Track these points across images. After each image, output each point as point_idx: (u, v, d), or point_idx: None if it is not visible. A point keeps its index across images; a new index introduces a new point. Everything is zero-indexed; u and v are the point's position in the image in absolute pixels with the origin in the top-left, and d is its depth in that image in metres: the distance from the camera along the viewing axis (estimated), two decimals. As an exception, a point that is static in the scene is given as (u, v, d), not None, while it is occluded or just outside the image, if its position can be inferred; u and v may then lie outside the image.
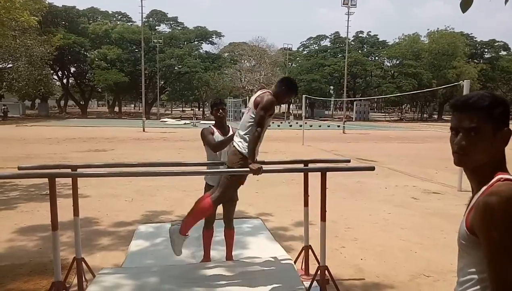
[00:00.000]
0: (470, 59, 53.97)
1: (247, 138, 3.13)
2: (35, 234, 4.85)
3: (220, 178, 3.51)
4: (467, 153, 1.14)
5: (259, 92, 3.23)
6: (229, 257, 3.85)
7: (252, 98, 3.22)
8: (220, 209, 3.75)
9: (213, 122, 3.78)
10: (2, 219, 5.49)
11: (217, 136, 3.63)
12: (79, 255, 3.37)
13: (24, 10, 8.86)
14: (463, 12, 2.04)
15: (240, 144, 3.17)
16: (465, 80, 7.85)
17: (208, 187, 3.67)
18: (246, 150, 3.10)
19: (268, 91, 3.18)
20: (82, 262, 3.39)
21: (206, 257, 3.82)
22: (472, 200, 1.16)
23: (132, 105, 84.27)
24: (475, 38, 58.17)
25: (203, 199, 3.28)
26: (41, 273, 3.75)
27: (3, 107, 38.20)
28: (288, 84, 3.21)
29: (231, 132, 3.65)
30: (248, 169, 3.00)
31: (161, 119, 38.64)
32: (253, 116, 3.13)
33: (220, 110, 3.65)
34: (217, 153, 3.62)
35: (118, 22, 52.51)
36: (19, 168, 3.08)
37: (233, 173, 3.19)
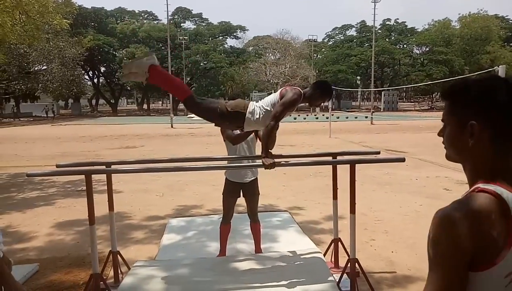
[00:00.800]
0: (505, 43, 51.42)
1: (259, 114, 3.02)
2: (72, 228, 5.08)
3: (240, 173, 3.56)
4: (445, 146, 1.02)
5: (290, 86, 3.15)
6: (257, 250, 3.89)
7: (281, 88, 3.17)
8: (243, 203, 3.79)
9: None
10: (42, 214, 5.77)
11: (235, 131, 3.61)
12: (115, 248, 3.50)
13: (56, 13, 9.20)
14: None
15: (254, 107, 3.04)
16: (500, 66, 7.47)
17: (227, 182, 3.70)
18: (250, 116, 3.00)
19: (299, 90, 3.06)
20: (118, 255, 3.53)
21: (222, 252, 3.84)
22: None
23: (160, 102, 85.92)
24: (511, 20, 55.35)
25: (187, 89, 3.11)
26: (80, 265, 3.93)
27: (45, 107, 39.95)
28: (323, 88, 3.11)
29: None
30: (260, 164, 2.95)
31: (188, 116, 39.09)
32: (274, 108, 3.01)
33: None
34: (236, 149, 3.61)
35: (145, 21, 53.51)
36: (57, 166, 3.23)
37: (253, 167, 3.09)
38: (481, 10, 49.64)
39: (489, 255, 0.85)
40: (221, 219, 3.83)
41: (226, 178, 3.73)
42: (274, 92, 3.29)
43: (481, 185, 0.92)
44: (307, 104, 3.29)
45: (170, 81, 3.12)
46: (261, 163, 2.96)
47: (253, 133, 3.61)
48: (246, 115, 3.00)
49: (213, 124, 3.19)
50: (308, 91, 3.10)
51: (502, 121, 0.91)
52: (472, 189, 0.94)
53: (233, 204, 3.76)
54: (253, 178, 3.71)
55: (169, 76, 3.17)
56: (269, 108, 3.02)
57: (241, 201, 3.82)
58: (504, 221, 0.86)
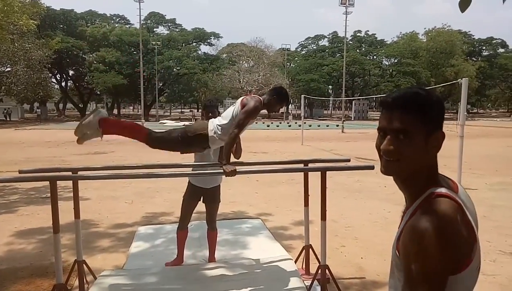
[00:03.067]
0: (468, 57, 54.14)
1: (223, 129, 3.03)
2: (35, 237, 4.85)
3: (206, 179, 3.54)
4: (396, 159, 0.97)
5: (250, 95, 3.19)
6: (211, 259, 3.83)
7: (241, 98, 3.19)
8: (203, 208, 3.75)
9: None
10: (2, 222, 5.49)
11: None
12: (80, 257, 3.37)
13: (22, 13, 8.86)
14: (462, 12, 2.03)
15: (214, 125, 3.06)
16: (463, 78, 7.83)
17: (190, 186, 3.67)
18: (213, 134, 3.02)
19: (259, 98, 3.13)
20: (83, 264, 3.40)
21: (179, 258, 3.77)
22: (405, 215, 1.03)
23: (131, 108, 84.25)
24: (473, 36, 58.45)
25: (142, 128, 3.09)
26: (42, 275, 3.75)
27: (7, 109, 38.32)
28: (279, 93, 3.16)
29: None
30: (222, 171, 2.94)
31: (160, 121, 38.64)
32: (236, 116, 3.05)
33: (210, 113, 3.60)
34: (203, 155, 3.56)
35: (116, 25, 52.49)
36: (20, 172, 3.08)
37: (215, 174, 3.10)
38: (446, 25, 52.00)
39: (466, 254, 0.90)
40: (192, 226, 3.78)
41: (189, 181, 3.69)
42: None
43: (432, 190, 0.95)
44: (273, 112, 3.31)
45: (124, 127, 3.06)
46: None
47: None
48: (209, 135, 3.02)
49: (179, 153, 3.18)
50: (266, 98, 3.15)
51: (442, 130, 1.00)
52: (427, 194, 0.96)
53: (192, 209, 3.71)
54: (215, 185, 3.67)
55: (121, 123, 3.12)
56: (227, 121, 3.04)
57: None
58: (466, 220, 0.92)
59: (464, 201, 0.98)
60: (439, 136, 0.97)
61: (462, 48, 51.07)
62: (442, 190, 0.94)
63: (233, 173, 2.92)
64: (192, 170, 3.58)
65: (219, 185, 3.74)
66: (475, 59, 56.82)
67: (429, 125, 0.96)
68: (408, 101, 0.97)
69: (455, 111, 53.10)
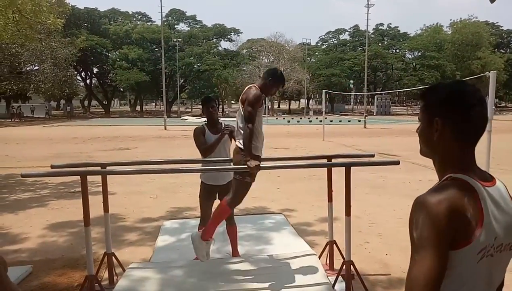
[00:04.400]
0: (496, 49, 52.19)
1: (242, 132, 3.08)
2: (66, 230, 5.04)
3: (216, 175, 3.58)
4: (419, 140, 1.15)
5: (245, 89, 3.19)
6: (234, 253, 3.87)
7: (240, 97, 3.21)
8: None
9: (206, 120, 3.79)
10: (35, 216, 5.72)
11: (208, 135, 3.66)
12: (110, 250, 3.48)
13: (50, 13, 9.13)
14: (492, 2, 1.99)
15: (237, 143, 3.15)
16: (491, 71, 7.58)
17: (203, 185, 3.70)
18: (241, 145, 3.06)
19: (254, 86, 3.13)
20: (112, 257, 3.51)
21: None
22: None
23: (153, 104, 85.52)
24: (501, 27, 56.30)
25: (220, 205, 3.25)
26: (73, 267, 3.90)
27: (30, 106, 39.74)
28: (273, 75, 3.15)
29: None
30: (245, 166, 2.96)
31: (181, 117, 39.12)
32: (243, 113, 3.09)
33: (210, 108, 3.65)
34: (215, 151, 3.61)
35: (138, 22, 53.29)
36: (52, 167, 3.20)
37: (235, 169, 3.12)
38: (472, 16, 50.38)
39: (464, 234, 0.96)
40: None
41: (201, 181, 3.72)
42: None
43: (452, 175, 1.04)
44: (270, 95, 3.30)
45: (214, 221, 3.26)
46: (245, 165, 2.96)
47: (227, 135, 3.64)
48: (242, 153, 3.05)
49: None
50: (261, 83, 3.16)
51: (461, 120, 1.04)
52: (443, 178, 1.06)
53: (210, 206, 3.74)
54: (228, 180, 3.67)
55: (214, 223, 3.27)
56: (243, 123, 3.08)
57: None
58: (474, 204, 0.98)
59: (496, 196, 1.03)
60: (436, 123, 1.06)
61: (490, 40, 49.27)
62: (459, 176, 1.03)
63: (257, 168, 2.94)
64: (205, 167, 3.63)
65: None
66: (503, 51, 54.80)
67: (429, 112, 1.09)
68: (420, 94, 1.16)
69: (482, 105, 51.40)
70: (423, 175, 8.57)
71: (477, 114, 1.04)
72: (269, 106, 44.50)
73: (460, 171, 1.04)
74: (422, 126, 1.12)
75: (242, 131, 3.07)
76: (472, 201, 0.98)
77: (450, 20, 51.76)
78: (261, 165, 3.00)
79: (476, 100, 1.04)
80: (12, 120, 34.34)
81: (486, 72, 8.01)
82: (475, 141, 1.07)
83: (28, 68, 34.56)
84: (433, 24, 52.54)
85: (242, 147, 3.07)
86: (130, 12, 55.81)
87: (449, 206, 0.95)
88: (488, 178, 1.07)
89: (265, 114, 39.32)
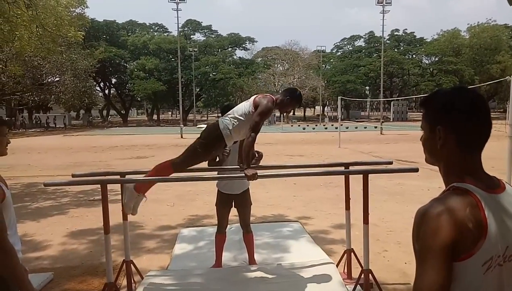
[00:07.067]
0: (516, 53, 51.02)
1: (236, 125, 3.08)
2: (85, 238, 5.13)
3: (232, 185, 3.58)
4: (424, 150, 1.13)
5: (264, 94, 3.21)
6: (251, 261, 3.86)
7: (254, 96, 3.22)
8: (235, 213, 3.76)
9: None
10: (55, 223, 5.85)
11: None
12: (128, 257, 3.53)
13: (71, 26, 9.44)
14: (510, 4, 1.95)
15: (225, 122, 3.10)
16: (511, 76, 7.41)
17: (219, 194, 3.70)
18: (227, 131, 3.06)
19: (270, 96, 3.16)
20: (131, 264, 3.55)
21: (218, 262, 3.80)
22: None
23: (170, 113, 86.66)
24: (522, 30, 54.97)
25: (163, 163, 3.21)
26: (93, 274, 3.96)
27: (48, 117, 41.00)
28: (292, 94, 3.19)
29: None
30: (243, 175, 2.95)
31: (198, 126, 39.47)
32: (248, 115, 3.07)
33: None
34: (229, 160, 3.61)
35: (155, 33, 54.34)
36: (73, 175, 3.29)
37: (243, 178, 3.06)
38: (490, 19, 49.48)
39: (467, 245, 0.94)
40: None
41: (218, 189, 3.74)
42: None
43: (455, 184, 1.02)
44: (285, 112, 3.31)
45: (152, 176, 3.22)
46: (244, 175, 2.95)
47: (239, 143, 3.63)
48: (223, 133, 3.06)
49: (207, 162, 3.26)
50: (279, 98, 3.17)
51: (463, 127, 1.01)
52: (447, 188, 1.04)
53: (227, 214, 3.75)
54: (244, 189, 3.69)
55: (148, 177, 3.23)
56: (242, 118, 3.08)
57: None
58: (477, 215, 0.95)
59: (506, 203, 1.00)
60: (438, 131, 1.04)
61: (509, 44, 48.27)
62: (462, 185, 1.01)
63: (254, 176, 2.93)
64: (218, 176, 3.63)
65: (248, 189, 3.75)
66: (524, 55, 53.53)
67: (431, 121, 1.06)
68: (421, 102, 1.12)
69: (502, 110, 50.22)
70: (441, 182, 8.32)
71: (479, 121, 1.02)
72: (284, 114, 44.49)
73: (465, 179, 1.02)
74: (425, 135, 1.10)
75: (234, 118, 3.08)
76: (475, 211, 0.95)
77: (468, 24, 50.98)
78: (278, 173, 3.01)
79: (477, 107, 1.02)
80: (18, 130, 35.39)
81: (507, 77, 7.84)
82: (480, 148, 1.04)
83: (49, 80, 35.58)
84: (450, 29, 51.84)
85: (221, 125, 3.08)
86: (148, 24, 57.08)
87: (450, 218, 0.93)
88: (496, 185, 1.04)
89: (280, 121, 39.36)
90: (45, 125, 38.95)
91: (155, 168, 3.18)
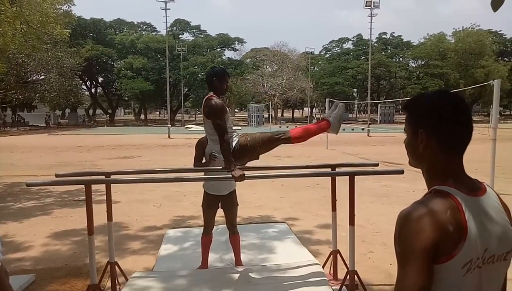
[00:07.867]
0: (499, 58, 52.19)
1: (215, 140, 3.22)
2: (69, 239, 5.04)
3: (219, 186, 3.60)
4: (407, 153, 1.15)
5: (204, 101, 3.30)
6: (237, 262, 3.84)
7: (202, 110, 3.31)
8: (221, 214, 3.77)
9: None
10: (38, 224, 5.73)
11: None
12: (113, 259, 3.48)
13: (56, 24, 9.28)
14: (494, 11, 1.98)
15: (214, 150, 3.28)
16: (495, 80, 7.57)
17: (206, 195, 3.67)
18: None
19: (210, 96, 3.24)
20: (116, 266, 3.50)
21: (204, 263, 3.77)
22: None
23: (157, 113, 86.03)
24: (505, 35, 56.37)
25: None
26: (77, 276, 3.89)
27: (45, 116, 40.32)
28: (215, 74, 3.33)
29: None
30: (230, 175, 3.04)
31: (185, 126, 39.27)
32: (212, 126, 3.20)
33: None
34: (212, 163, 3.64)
35: (143, 32, 53.86)
36: (57, 175, 3.23)
37: (230, 179, 3.16)
38: (475, 24, 50.43)
39: (447, 248, 0.95)
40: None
41: (204, 190, 3.71)
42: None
43: (436, 187, 1.04)
44: (225, 92, 3.46)
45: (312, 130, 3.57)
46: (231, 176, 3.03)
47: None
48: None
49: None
50: (212, 89, 3.30)
51: (444, 130, 1.03)
52: (429, 190, 1.06)
53: (213, 215, 3.73)
54: (231, 190, 3.66)
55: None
56: (210, 130, 3.26)
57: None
58: (457, 218, 0.96)
59: (486, 206, 1.02)
60: (420, 134, 1.06)
61: (493, 48, 49.33)
62: (444, 188, 1.02)
63: (242, 177, 2.99)
64: (205, 177, 3.68)
65: (235, 190, 3.73)
66: (507, 60, 54.74)
67: (413, 124, 1.08)
68: (403, 105, 1.14)
69: (486, 113, 51.23)
70: (427, 184, 8.53)
71: (461, 124, 1.03)
72: (272, 115, 44.59)
73: (446, 182, 1.03)
74: (408, 138, 1.11)
75: (213, 140, 3.22)
76: (455, 214, 0.96)
77: (453, 29, 51.91)
78: (266, 174, 3.03)
79: (459, 110, 1.04)
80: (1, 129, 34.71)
81: (490, 81, 8.00)
82: (462, 151, 1.06)
83: (34, 78, 34.95)
84: (437, 33, 52.73)
85: (216, 155, 3.24)
86: (136, 22, 56.55)
87: (431, 221, 0.95)
88: (477, 188, 1.06)
89: (268, 122, 39.43)
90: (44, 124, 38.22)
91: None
